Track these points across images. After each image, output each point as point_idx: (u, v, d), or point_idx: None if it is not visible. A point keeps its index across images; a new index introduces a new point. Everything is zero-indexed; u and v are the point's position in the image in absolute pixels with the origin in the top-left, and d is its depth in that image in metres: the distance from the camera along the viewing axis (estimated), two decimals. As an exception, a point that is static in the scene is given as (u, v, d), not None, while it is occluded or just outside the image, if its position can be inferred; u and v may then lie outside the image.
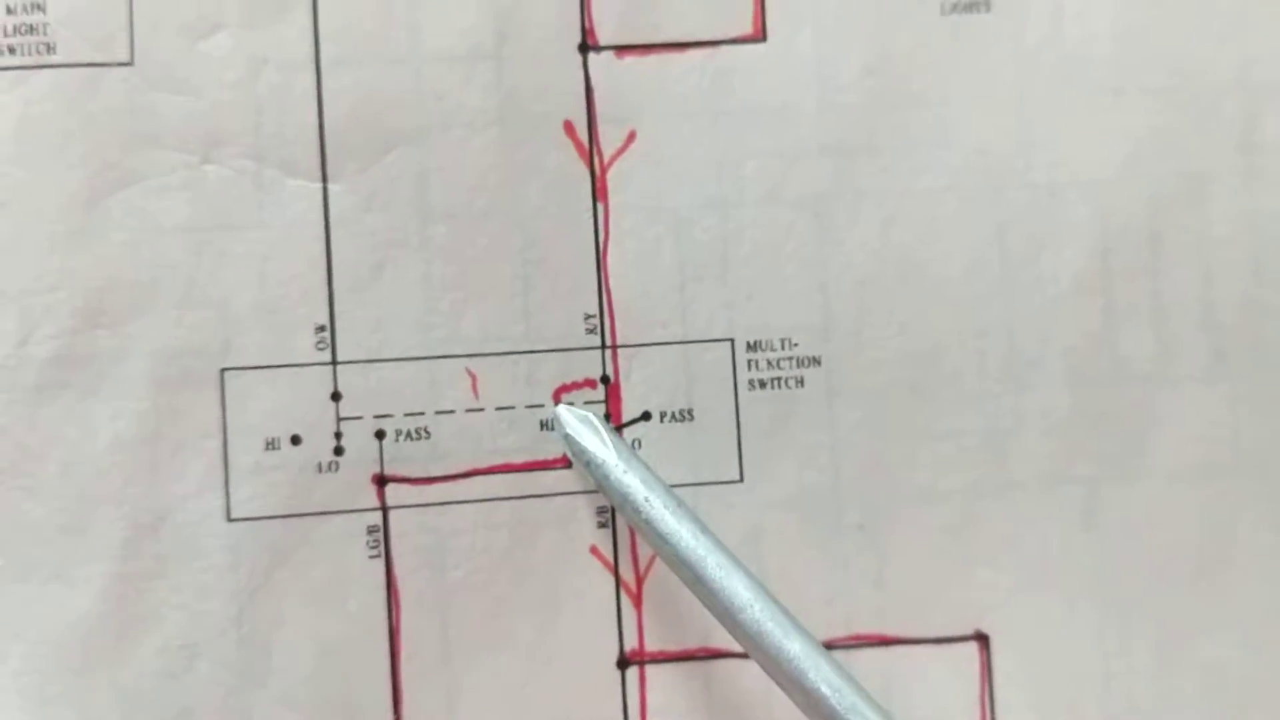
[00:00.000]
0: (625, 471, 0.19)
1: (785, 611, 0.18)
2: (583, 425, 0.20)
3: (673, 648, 0.20)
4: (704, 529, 0.18)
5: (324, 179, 0.20)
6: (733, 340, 0.20)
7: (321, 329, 0.20)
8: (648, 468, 0.19)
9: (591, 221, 0.20)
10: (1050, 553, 0.20)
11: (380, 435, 0.20)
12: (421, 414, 0.20)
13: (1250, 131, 0.21)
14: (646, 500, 0.19)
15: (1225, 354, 0.21)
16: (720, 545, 0.18)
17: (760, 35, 0.21)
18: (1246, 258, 0.21)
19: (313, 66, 0.20)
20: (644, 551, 0.20)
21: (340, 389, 0.20)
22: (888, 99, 0.21)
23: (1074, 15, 0.21)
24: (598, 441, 0.19)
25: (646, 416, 0.20)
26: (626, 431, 0.20)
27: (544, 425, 0.20)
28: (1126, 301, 0.21)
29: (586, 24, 0.20)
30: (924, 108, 0.21)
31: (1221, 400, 0.21)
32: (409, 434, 0.20)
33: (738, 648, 0.19)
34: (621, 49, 0.20)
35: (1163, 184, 0.21)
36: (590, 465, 0.19)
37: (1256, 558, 0.20)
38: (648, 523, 0.19)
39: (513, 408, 0.20)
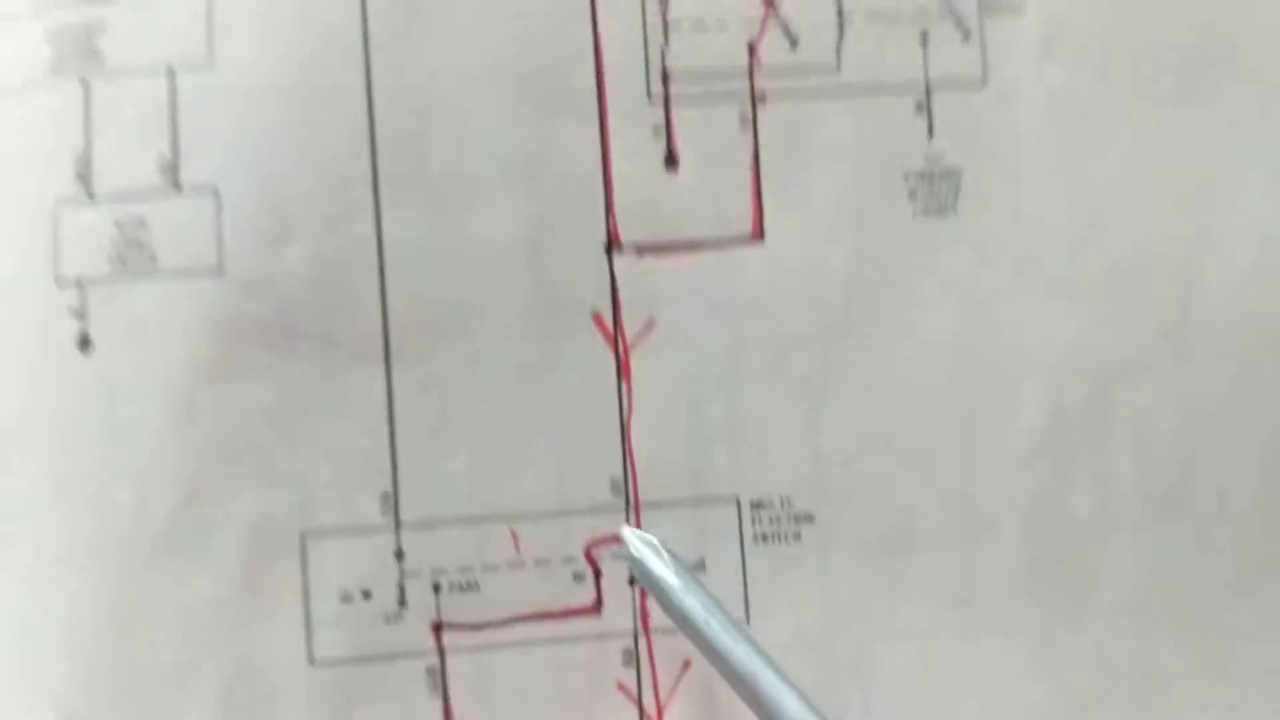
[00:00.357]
0: (686, 593, 0.22)
1: (828, 722, 0.21)
2: (647, 549, 0.23)
3: (689, 771, 0.23)
4: (757, 648, 0.21)
5: (387, 366, 0.23)
6: (739, 499, 0.24)
7: (386, 496, 0.23)
8: (706, 590, 0.22)
9: (617, 398, 0.24)
10: (1009, 685, 0.24)
11: (437, 588, 0.23)
12: (472, 569, 0.23)
13: (1183, 317, 0.24)
14: (706, 622, 0.22)
15: (1159, 511, 0.24)
16: (771, 663, 0.21)
17: (759, 237, 0.24)
18: (1177, 428, 0.24)
19: (377, 270, 0.23)
20: (664, 685, 0.24)
21: (403, 548, 0.23)
22: (868, 292, 0.24)
23: (1029, 218, 0.24)
24: (661, 565, 0.22)
25: (665, 568, 0.24)
26: (648, 581, 0.24)
27: (576, 577, 0.23)
28: (1073, 467, 0.24)
29: (611, 229, 0.24)
30: (899, 299, 0.24)
31: (1155, 551, 0.24)
32: (461, 586, 0.23)
33: (745, 769, 0.22)
34: (641, 249, 0.24)
35: (1105, 364, 0.24)
36: (654, 587, 0.22)
37: (1188, 690, 0.24)
38: (707, 641, 0.21)
39: (549, 562, 0.23)
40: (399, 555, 0.23)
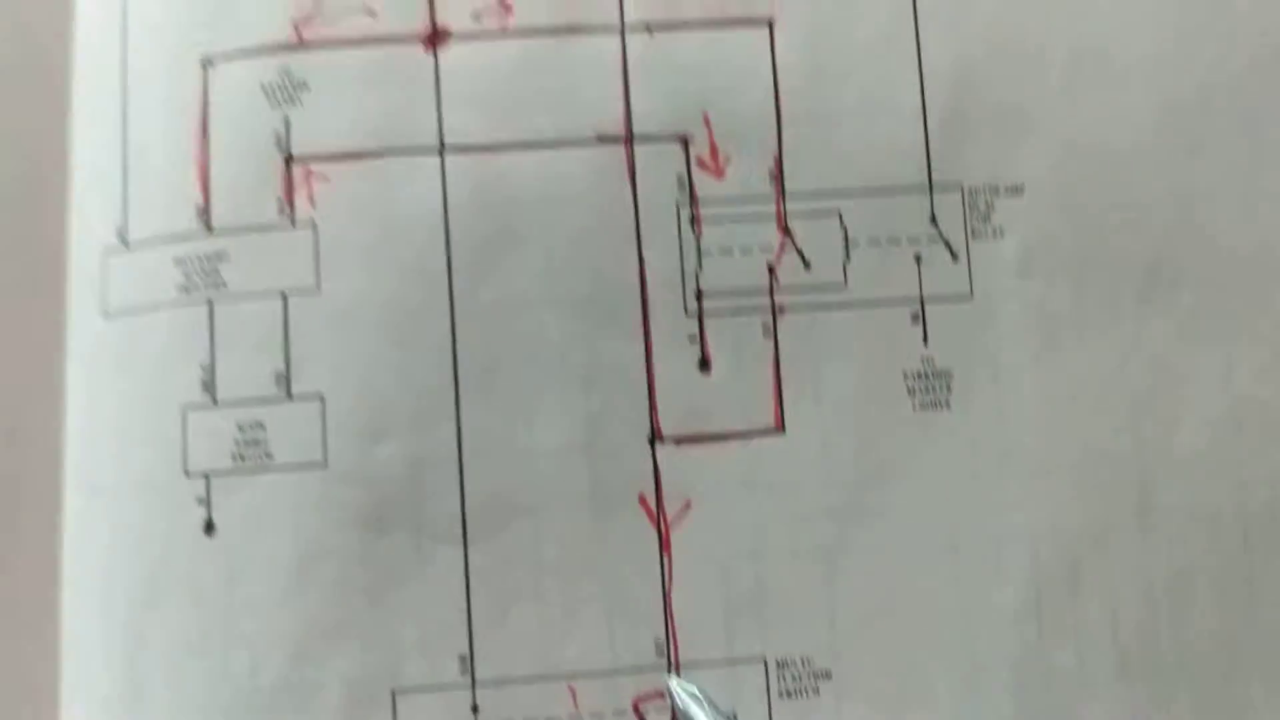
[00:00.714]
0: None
1: None
2: (690, 699, 0.26)
3: None
4: None
5: (465, 545, 0.27)
6: (766, 659, 0.28)
7: (464, 658, 0.27)
8: None
9: (659, 570, 0.28)
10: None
11: (507, 737, 0.27)
12: (537, 720, 0.27)
13: (1145, 497, 0.28)
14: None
15: (1128, 666, 0.28)
16: None
17: (781, 429, 0.28)
18: (1142, 594, 0.28)
19: (456, 463, 0.28)
20: (702, 822, 0.27)
21: (478, 703, 0.27)
22: (875, 476, 0.28)
23: (1011, 412, 0.28)
24: (701, 713, 0.26)
25: (702, 718, 0.27)
26: (688, 730, 0.27)
27: (625, 727, 0.27)
28: (1054, 627, 0.28)
29: (654, 423, 0.28)
30: (902, 482, 0.28)
31: (1125, 701, 0.28)
32: (528, 735, 0.27)
33: None
34: (680, 440, 0.28)
35: (1078, 537, 0.28)
36: None
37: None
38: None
39: (603, 715, 0.27)
40: (475, 709, 0.27)
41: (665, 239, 0.28)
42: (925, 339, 0.28)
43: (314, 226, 0.28)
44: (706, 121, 0.29)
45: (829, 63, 0.29)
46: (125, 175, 0.29)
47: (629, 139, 0.28)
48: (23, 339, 0.29)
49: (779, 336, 0.28)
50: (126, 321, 0.28)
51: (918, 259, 0.29)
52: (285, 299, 0.28)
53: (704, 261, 0.28)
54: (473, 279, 0.28)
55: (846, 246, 0.28)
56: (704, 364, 0.28)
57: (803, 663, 0.28)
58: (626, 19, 0.29)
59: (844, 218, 0.29)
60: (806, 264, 0.28)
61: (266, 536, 0.27)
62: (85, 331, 0.29)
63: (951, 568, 0.28)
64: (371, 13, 0.28)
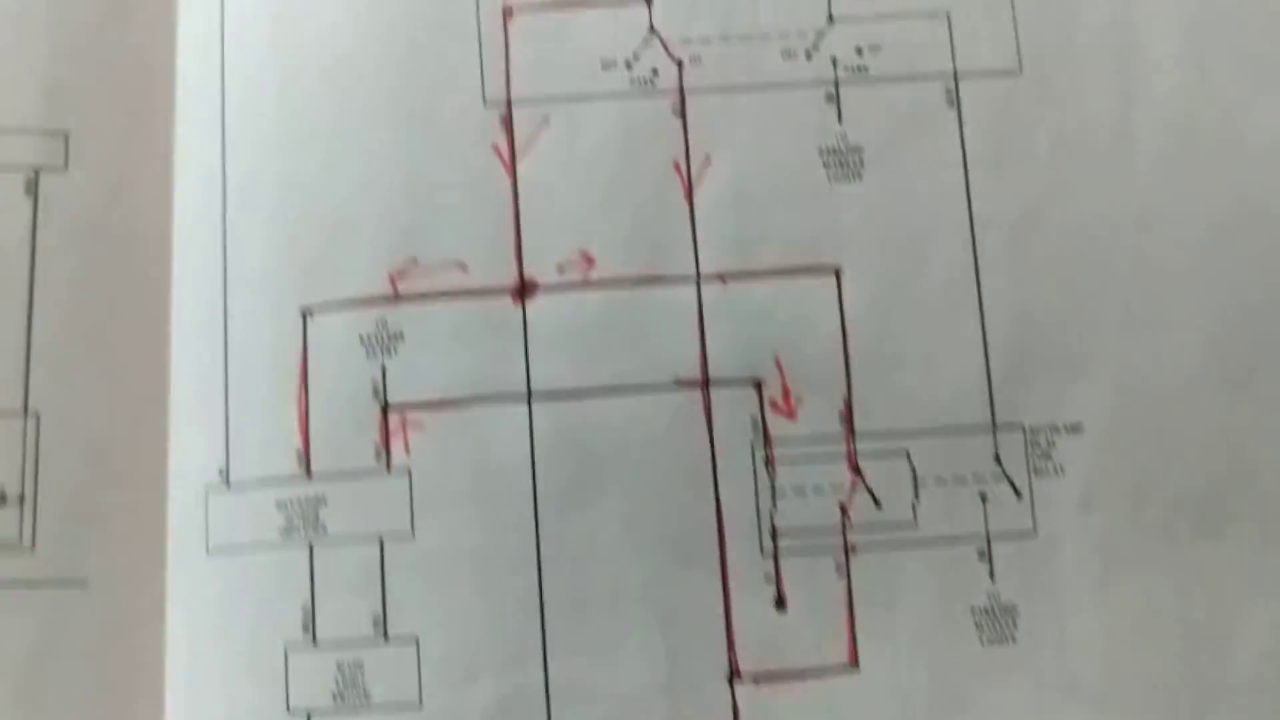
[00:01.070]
0: None
1: None
2: None
3: None
4: None
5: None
6: None
7: None
8: None
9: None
10: None
11: None
12: None
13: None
14: None
15: None
16: None
17: (855, 665, 0.29)
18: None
19: (544, 703, 0.29)
20: None
21: None
22: (945, 709, 0.29)
23: (1073, 644, 0.29)
24: None
25: None
26: None
27: None
28: None
29: (733, 661, 0.29)
30: (969, 715, 0.29)
31: None
32: None
33: None
34: (758, 678, 0.29)
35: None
36: None
37: None
38: None
39: None
40: None
41: (741, 479, 0.30)
42: (992, 575, 0.30)
43: (409, 473, 0.29)
44: (779, 365, 0.30)
45: (894, 309, 0.30)
46: (227, 417, 0.30)
47: (705, 384, 0.30)
48: (125, 570, 0.31)
49: (852, 575, 0.30)
50: (229, 560, 0.30)
51: (983, 497, 0.30)
52: (382, 543, 0.29)
53: (778, 501, 0.30)
54: (558, 522, 0.29)
55: (915, 486, 0.30)
56: (780, 602, 0.29)
57: None
58: (702, 270, 0.30)
59: (912, 457, 0.30)
60: (877, 503, 0.30)
61: (363, 777, 0.28)
62: (188, 567, 0.30)
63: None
64: (463, 267, 0.30)
